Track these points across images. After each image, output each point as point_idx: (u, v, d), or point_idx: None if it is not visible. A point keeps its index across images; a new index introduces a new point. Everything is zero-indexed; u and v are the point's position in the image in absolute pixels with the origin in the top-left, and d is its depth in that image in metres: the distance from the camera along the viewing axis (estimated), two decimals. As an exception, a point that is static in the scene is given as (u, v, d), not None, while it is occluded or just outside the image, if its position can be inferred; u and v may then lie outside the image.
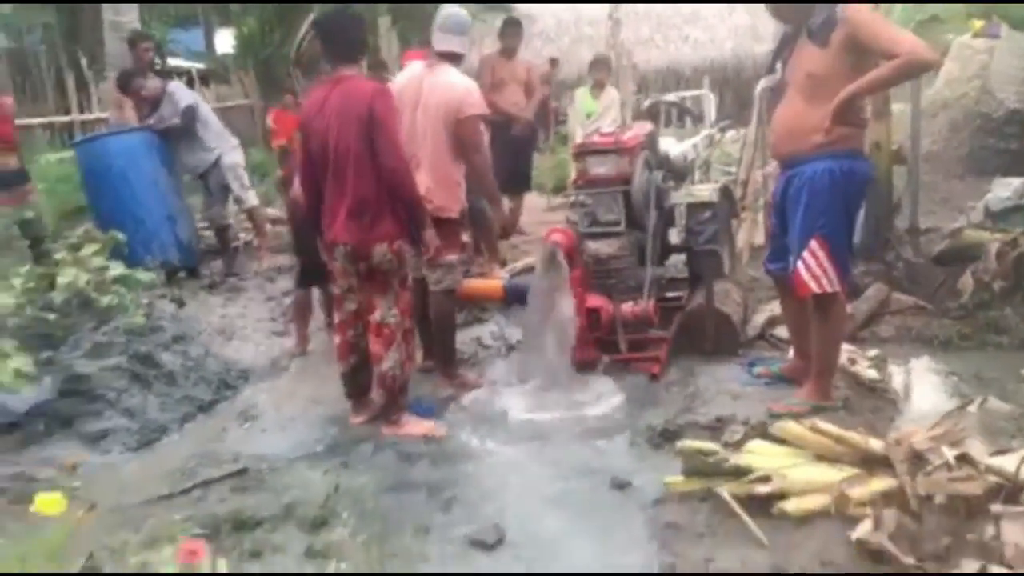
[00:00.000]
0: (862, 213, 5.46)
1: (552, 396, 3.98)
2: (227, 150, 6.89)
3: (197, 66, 17.94)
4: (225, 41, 22.22)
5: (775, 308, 4.76)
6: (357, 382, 4.01)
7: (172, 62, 15.22)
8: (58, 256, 4.51)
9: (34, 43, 14.86)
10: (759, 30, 15.32)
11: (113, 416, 3.95)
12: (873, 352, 4.38)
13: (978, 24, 6.83)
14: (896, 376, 4.28)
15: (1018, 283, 4.92)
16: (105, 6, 8.15)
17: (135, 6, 8.46)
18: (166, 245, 6.26)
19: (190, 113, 6.57)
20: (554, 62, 12.14)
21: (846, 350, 4.26)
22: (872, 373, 4.11)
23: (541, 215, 8.59)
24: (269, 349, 5.15)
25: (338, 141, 3.73)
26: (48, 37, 14.73)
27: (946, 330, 4.74)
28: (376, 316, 3.82)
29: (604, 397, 4.00)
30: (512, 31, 7.44)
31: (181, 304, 5.45)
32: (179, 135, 6.59)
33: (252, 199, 7.21)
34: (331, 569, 2.71)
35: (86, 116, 11.94)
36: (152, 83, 6.72)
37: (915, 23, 5.36)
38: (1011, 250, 5.04)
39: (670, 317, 4.79)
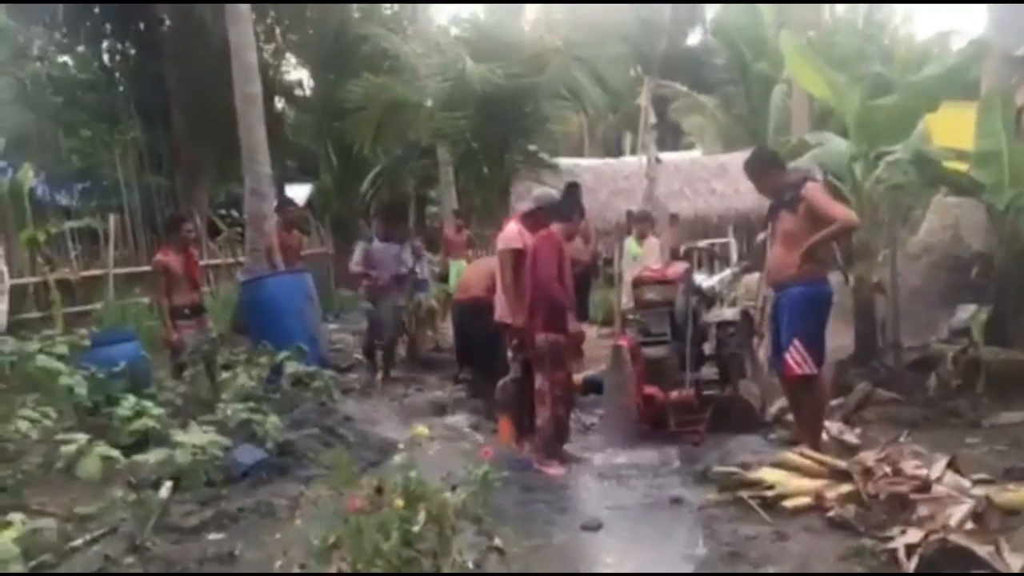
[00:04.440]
0: (852, 331, 7.22)
1: (626, 453, 5.65)
2: None
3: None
4: (294, 195, 24.82)
5: (786, 402, 6.39)
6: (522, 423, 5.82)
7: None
8: (261, 359, 6.28)
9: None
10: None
11: (313, 468, 5.62)
12: (857, 430, 5.99)
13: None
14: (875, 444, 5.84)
15: (968, 381, 6.52)
16: (247, 177, 10.18)
17: (269, 173, 10.48)
18: (310, 359, 7.99)
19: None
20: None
21: (836, 426, 5.89)
22: (854, 440, 5.70)
23: (595, 341, 10.33)
24: (405, 431, 6.79)
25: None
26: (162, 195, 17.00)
27: (915, 415, 6.27)
28: (536, 384, 5.55)
29: (660, 454, 5.66)
30: (572, 192, 9.39)
31: (333, 399, 7.16)
32: None
33: None
34: (496, 542, 4.27)
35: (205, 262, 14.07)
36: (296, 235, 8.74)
37: (884, 187, 7.16)
38: (963, 357, 6.68)
39: (706, 406, 6.42)
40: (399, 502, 3.08)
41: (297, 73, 24.86)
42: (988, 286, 7.35)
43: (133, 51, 19.55)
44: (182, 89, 17.71)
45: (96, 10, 17.95)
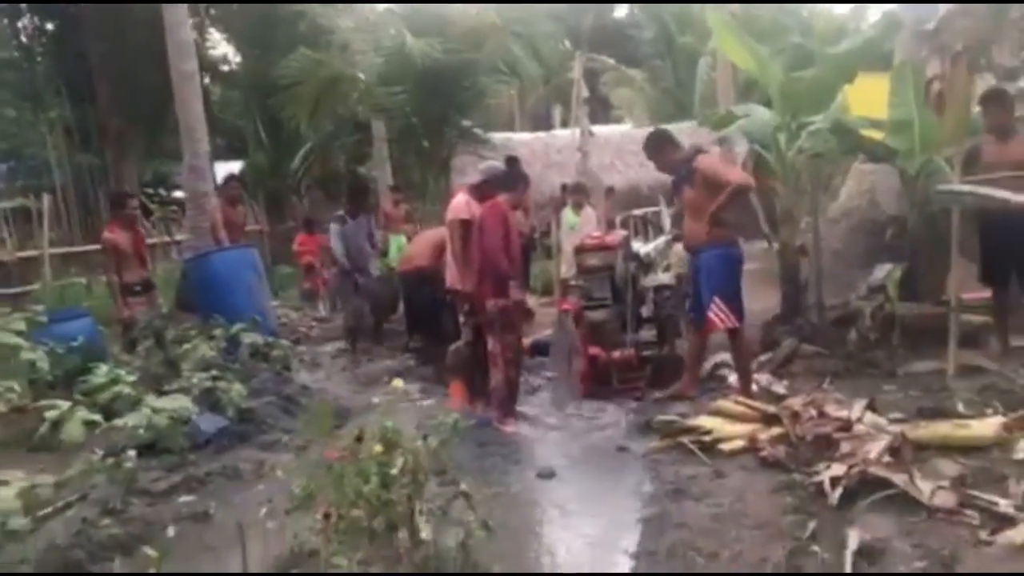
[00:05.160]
0: (779, 292, 7.68)
1: (572, 411, 6.02)
2: None
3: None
4: (224, 172, 24.46)
5: (719, 357, 6.81)
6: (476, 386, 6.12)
7: (179, 194, 17.37)
8: (216, 332, 6.45)
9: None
10: (704, 154, 17.80)
11: (275, 433, 5.84)
12: (785, 382, 6.44)
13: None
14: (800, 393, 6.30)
15: (885, 334, 7.03)
16: (186, 154, 10.14)
17: (207, 150, 10.43)
18: (262, 332, 8.12)
19: None
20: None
21: (765, 379, 6.32)
22: (782, 390, 6.14)
23: (535, 310, 10.66)
24: (359, 397, 7.02)
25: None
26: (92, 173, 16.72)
27: (837, 367, 6.73)
28: (488, 347, 5.88)
29: (605, 409, 6.04)
30: (514, 164, 9.68)
31: (288, 370, 7.35)
32: None
33: None
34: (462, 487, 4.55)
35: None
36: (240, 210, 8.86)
37: (806, 155, 7.61)
38: (880, 312, 7.19)
39: (645, 365, 6.80)
40: (378, 447, 3.35)
41: (222, 48, 24.54)
42: (902, 247, 7.85)
43: (52, 27, 19.08)
44: (106, 65, 17.36)
45: (12, -14, 17.50)
